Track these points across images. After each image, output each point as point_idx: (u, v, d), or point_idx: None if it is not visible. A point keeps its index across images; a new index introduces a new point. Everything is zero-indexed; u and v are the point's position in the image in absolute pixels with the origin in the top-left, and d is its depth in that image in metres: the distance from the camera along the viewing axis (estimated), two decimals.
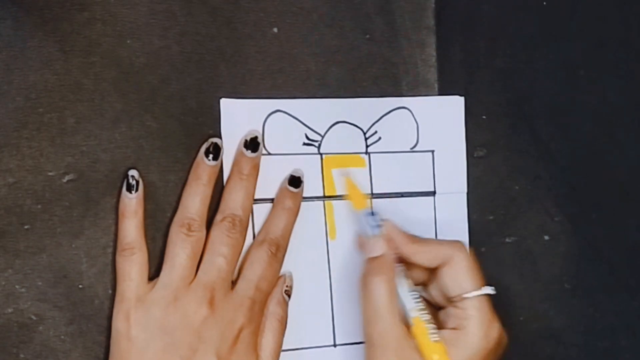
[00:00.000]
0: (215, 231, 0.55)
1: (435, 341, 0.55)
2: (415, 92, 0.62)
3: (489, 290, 0.56)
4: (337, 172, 0.60)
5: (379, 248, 0.57)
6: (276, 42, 0.59)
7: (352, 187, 0.60)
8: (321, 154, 0.60)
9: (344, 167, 0.60)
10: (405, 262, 0.58)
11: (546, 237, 0.65)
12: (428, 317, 0.56)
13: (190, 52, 0.57)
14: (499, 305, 0.56)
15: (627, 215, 0.66)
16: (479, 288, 0.56)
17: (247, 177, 0.56)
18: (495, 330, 0.56)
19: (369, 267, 0.57)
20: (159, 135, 0.56)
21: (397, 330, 0.55)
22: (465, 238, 0.63)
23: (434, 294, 0.59)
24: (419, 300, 0.56)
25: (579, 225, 0.65)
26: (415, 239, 0.58)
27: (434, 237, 0.62)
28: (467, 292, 0.56)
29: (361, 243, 0.59)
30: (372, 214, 0.59)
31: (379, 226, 0.58)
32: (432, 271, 0.58)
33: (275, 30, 0.59)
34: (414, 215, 0.61)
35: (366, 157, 0.61)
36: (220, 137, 0.57)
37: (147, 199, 0.55)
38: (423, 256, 0.57)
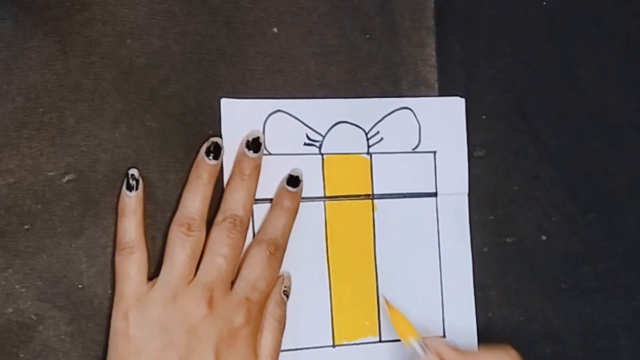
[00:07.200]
0: (215, 231, 0.55)
1: None
2: (415, 92, 0.62)
3: None
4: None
5: None
6: (276, 42, 0.59)
7: (401, 319, 0.59)
8: (322, 154, 0.60)
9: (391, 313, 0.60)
10: None
11: (543, 237, 0.65)
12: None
13: (190, 52, 0.57)
14: (499, 305, 0.56)
15: (625, 216, 0.67)
16: None
17: (249, 178, 0.56)
18: None
19: None
20: (159, 135, 0.56)
21: None
22: (466, 239, 0.63)
23: None
24: None
25: (577, 225, 0.65)
26: (464, 354, 0.57)
27: (436, 239, 0.62)
28: None
29: None
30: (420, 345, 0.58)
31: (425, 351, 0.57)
32: None
33: (275, 30, 0.59)
34: (416, 217, 0.61)
35: (368, 157, 0.61)
36: (220, 137, 0.57)
37: (147, 198, 0.55)
38: None
